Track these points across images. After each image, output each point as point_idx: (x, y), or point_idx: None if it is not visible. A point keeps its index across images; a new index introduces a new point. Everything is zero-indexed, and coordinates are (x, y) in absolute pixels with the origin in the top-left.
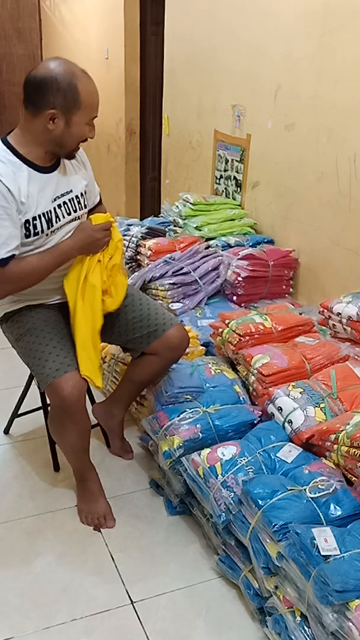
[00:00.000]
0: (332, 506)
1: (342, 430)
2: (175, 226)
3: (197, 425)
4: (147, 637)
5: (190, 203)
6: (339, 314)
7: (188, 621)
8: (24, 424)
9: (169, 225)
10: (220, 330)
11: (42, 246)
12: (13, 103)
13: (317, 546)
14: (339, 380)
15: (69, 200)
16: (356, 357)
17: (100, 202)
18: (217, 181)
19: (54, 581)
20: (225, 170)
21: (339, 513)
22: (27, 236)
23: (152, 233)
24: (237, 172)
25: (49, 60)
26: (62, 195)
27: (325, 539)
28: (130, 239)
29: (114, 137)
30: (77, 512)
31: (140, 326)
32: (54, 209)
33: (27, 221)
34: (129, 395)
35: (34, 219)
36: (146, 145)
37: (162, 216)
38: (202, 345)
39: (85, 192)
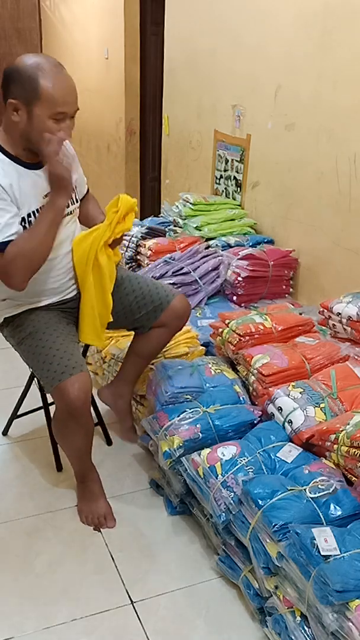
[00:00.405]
0: (332, 506)
1: (342, 430)
2: (175, 226)
3: (197, 425)
4: (147, 637)
5: (190, 203)
6: (339, 314)
7: (188, 621)
8: (24, 424)
9: (169, 225)
10: (220, 330)
11: None
12: None
13: (317, 546)
14: (339, 380)
15: None
16: (356, 357)
17: (87, 190)
18: (217, 181)
19: (54, 581)
20: (225, 170)
21: (339, 513)
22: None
23: (152, 233)
24: (237, 172)
25: (25, 55)
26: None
27: (325, 539)
28: (130, 239)
29: (114, 137)
30: (77, 512)
31: (144, 303)
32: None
33: (23, 218)
34: (135, 371)
35: (29, 215)
36: (146, 146)
37: (162, 216)
38: (202, 345)
39: (75, 187)
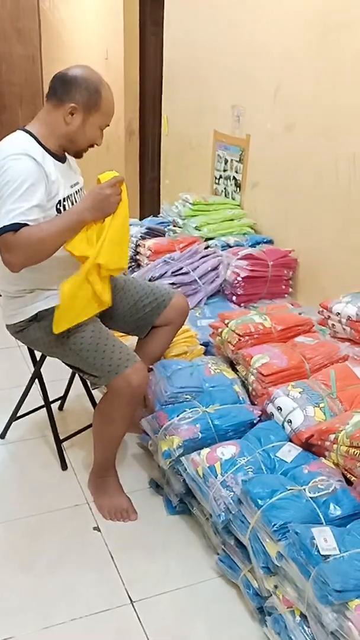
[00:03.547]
0: (331, 506)
1: (341, 430)
2: (174, 226)
3: (197, 425)
4: (146, 636)
5: (190, 203)
6: (339, 313)
7: (187, 621)
8: (23, 424)
9: (169, 225)
10: (220, 330)
11: None
12: (12, 103)
13: (317, 546)
14: (339, 380)
15: (79, 190)
16: (355, 357)
17: None
18: (217, 181)
19: (54, 581)
20: (224, 171)
21: (338, 513)
22: None
23: (151, 233)
24: (236, 172)
25: (80, 65)
26: (74, 185)
27: (325, 539)
28: (130, 239)
29: (113, 137)
30: (97, 509)
31: (148, 302)
32: (73, 194)
33: (59, 202)
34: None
35: (64, 199)
36: (146, 146)
37: (161, 216)
38: (201, 345)
39: (83, 187)
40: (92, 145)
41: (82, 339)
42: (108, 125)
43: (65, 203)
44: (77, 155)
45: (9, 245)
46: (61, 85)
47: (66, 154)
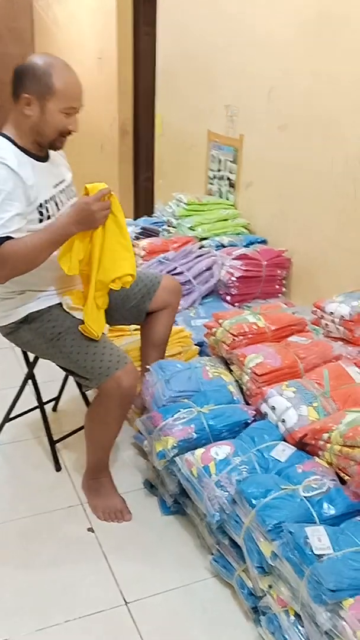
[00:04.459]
0: (325, 505)
1: (334, 429)
2: (169, 226)
3: (192, 426)
4: (141, 637)
5: (184, 203)
6: (332, 313)
7: (182, 621)
8: (17, 426)
9: (163, 225)
10: (214, 330)
11: None
12: (6, 103)
13: (311, 545)
14: (332, 379)
15: (65, 188)
16: (348, 356)
17: None
18: (211, 181)
19: (49, 582)
20: (218, 171)
21: (332, 512)
22: (40, 220)
23: (145, 233)
24: (230, 172)
25: (35, 54)
26: (58, 184)
27: (319, 538)
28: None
29: (107, 137)
30: (91, 509)
31: (138, 289)
32: (57, 194)
33: (40, 204)
34: (156, 358)
35: (46, 201)
36: (140, 146)
37: (155, 216)
38: (195, 345)
39: (71, 183)
40: (66, 134)
41: (73, 341)
42: (74, 109)
43: (48, 205)
44: (53, 147)
45: None
46: (15, 79)
47: (49, 150)
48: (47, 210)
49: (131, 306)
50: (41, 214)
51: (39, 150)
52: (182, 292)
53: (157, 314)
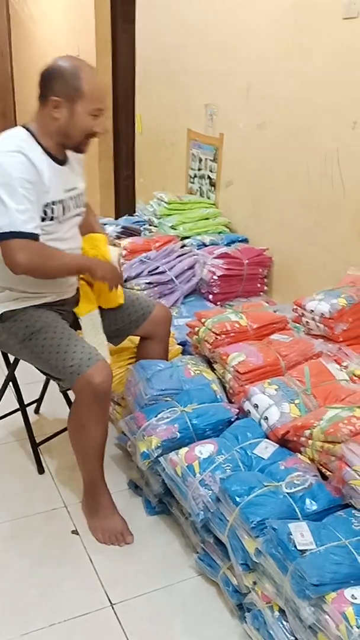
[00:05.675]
0: (307, 501)
1: (316, 426)
2: (150, 225)
3: (175, 425)
4: (127, 638)
5: (165, 202)
6: (312, 311)
7: (168, 620)
8: None
9: (144, 225)
10: (197, 329)
11: (52, 233)
12: None
13: (294, 541)
14: (313, 376)
15: (75, 195)
16: (329, 353)
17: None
18: (192, 180)
19: (32, 586)
20: (199, 169)
21: (314, 507)
22: (43, 219)
23: (127, 232)
24: (210, 171)
25: (61, 56)
26: (70, 190)
27: (302, 534)
28: (107, 239)
29: None
30: (91, 532)
31: (128, 313)
32: (67, 199)
33: (46, 204)
34: None
35: (53, 203)
36: (120, 144)
37: (136, 215)
38: (178, 344)
39: (83, 193)
40: (91, 136)
41: (44, 341)
42: (101, 110)
43: (55, 206)
44: (78, 149)
45: (20, 249)
46: (42, 81)
47: (70, 156)
48: (53, 212)
49: (117, 328)
50: (45, 213)
51: (59, 152)
52: (170, 321)
53: (148, 342)
